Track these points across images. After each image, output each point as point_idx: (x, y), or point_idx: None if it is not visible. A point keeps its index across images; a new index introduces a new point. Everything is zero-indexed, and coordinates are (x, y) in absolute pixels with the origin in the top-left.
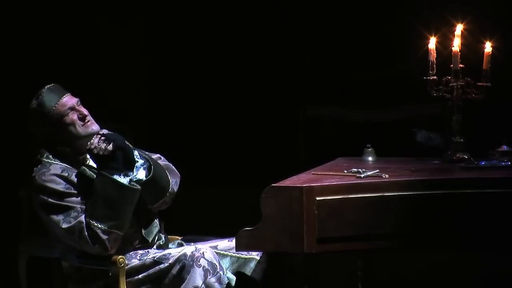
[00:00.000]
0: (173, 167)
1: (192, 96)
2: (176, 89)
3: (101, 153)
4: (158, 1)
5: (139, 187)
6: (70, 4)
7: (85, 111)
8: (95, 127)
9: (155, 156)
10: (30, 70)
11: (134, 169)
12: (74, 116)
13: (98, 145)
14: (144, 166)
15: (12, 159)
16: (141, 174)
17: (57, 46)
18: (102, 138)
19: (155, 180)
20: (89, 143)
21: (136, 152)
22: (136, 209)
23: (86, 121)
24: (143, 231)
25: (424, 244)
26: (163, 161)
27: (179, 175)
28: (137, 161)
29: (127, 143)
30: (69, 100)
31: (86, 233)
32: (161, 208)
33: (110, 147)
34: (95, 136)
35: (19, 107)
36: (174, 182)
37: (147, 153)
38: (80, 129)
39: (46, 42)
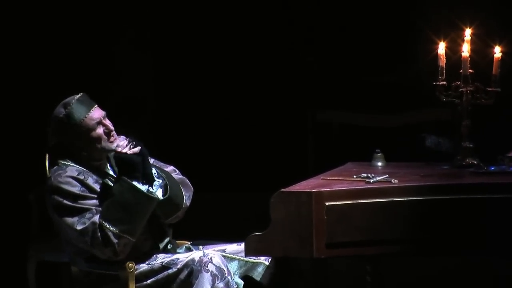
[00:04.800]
0: (187, 181)
1: (201, 101)
2: (184, 95)
3: (125, 151)
4: (165, 7)
5: (156, 196)
6: (79, 9)
7: (111, 126)
8: (117, 143)
9: (169, 168)
10: (40, 75)
11: (154, 187)
12: (100, 131)
13: (126, 145)
14: (161, 184)
15: (21, 163)
16: (158, 193)
17: (66, 51)
18: (130, 140)
19: (171, 199)
20: (116, 145)
21: (154, 170)
22: (149, 219)
23: (111, 136)
24: (154, 239)
25: (433, 249)
26: (177, 175)
27: (192, 189)
28: (155, 180)
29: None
30: (97, 113)
31: (99, 234)
32: (173, 222)
33: (137, 149)
34: (122, 137)
35: (29, 111)
36: (187, 196)
37: (162, 163)
38: (104, 144)
39: (54, 47)
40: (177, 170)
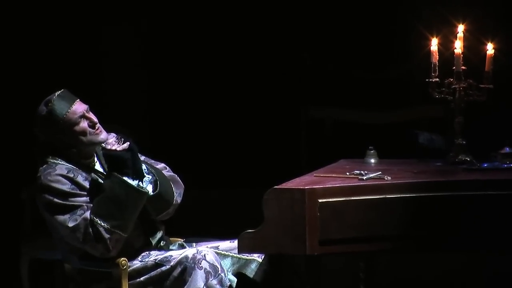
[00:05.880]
0: (178, 178)
1: (194, 97)
2: (178, 91)
3: (115, 147)
4: (158, 3)
5: (146, 190)
6: (72, 7)
7: (95, 118)
8: (103, 135)
9: (160, 165)
10: (32, 71)
11: (144, 183)
12: (84, 124)
13: (115, 142)
14: (151, 180)
15: (14, 160)
16: (148, 188)
17: (59, 48)
18: (119, 137)
19: (161, 195)
20: (104, 143)
21: (144, 166)
22: (141, 216)
23: (96, 128)
24: (146, 235)
25: (426, 246)
26: (168, 172)
27: (183, 186)
28: (145, 176)
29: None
30: (79, 107)
31: (91, 230)
32: (163, 218)
33: (126, 145)
34: (111, 135)
35: (21, 108)
36: (178, 193)
37: (153, 161)
38: (90, 137)
39: (47, 44)
40: (168, 168)
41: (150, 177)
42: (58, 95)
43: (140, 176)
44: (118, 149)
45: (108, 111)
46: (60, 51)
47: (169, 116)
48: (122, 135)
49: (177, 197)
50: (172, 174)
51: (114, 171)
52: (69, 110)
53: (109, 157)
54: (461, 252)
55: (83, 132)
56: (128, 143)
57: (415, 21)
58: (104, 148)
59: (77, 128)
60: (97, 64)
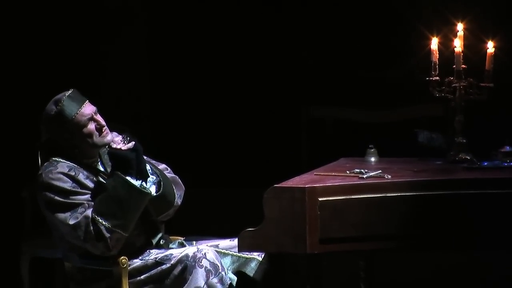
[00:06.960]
0: (179, 179)
1: (195, 96)
2: (179, 90)
3: (120, 146)
4: (159, 5)
5: (149, 191)
6: (73, 6)
7: (102, 121)
8: (109, 137)
9: (161, 166)
10: (32, 70)
11: (147, 183)
12: (92, 127)
13: (120, 141)
14: (155, 181)
15: (14, 159)
16: (152, 189)
17: (60, 47)
18: (124, 136)
19: (164, 196)
20: (111, 142)
21: (148, 167)
22: (142, 216)
23: (103, 131)
24: (147, 235)
25: (426, 245)
26: (169, 173)
27: (184, 188)
28: (149, 176)
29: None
30: (88, 109)
31: (92, 229)
32: (163, 219)
33: (131, 145)
34: (114, 134)
35: (22, 107)
36: (178, 195)
37: (154, 161)
38: (96, 139)
39: (47, 43)
40: (169, 169)
41: (154, 177)
42: (68, 95)
43: (143, 177)
44: (123, 148)
45: (109, 110)
46: (62, 49)
47: (171, 115)
48: (127, 135)
49: (178, 199)
50: (173, 175)
51: (118, 170)
52: (78, 112)
53: (114, 156)
54: (461, 251)
55: (90, 134)
56: (133, 143)
57: (415, 20)
58: (109, 147)
59: (84, 130)
60: (98, 64)
